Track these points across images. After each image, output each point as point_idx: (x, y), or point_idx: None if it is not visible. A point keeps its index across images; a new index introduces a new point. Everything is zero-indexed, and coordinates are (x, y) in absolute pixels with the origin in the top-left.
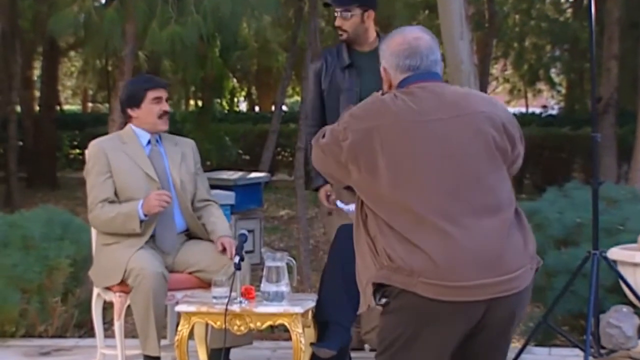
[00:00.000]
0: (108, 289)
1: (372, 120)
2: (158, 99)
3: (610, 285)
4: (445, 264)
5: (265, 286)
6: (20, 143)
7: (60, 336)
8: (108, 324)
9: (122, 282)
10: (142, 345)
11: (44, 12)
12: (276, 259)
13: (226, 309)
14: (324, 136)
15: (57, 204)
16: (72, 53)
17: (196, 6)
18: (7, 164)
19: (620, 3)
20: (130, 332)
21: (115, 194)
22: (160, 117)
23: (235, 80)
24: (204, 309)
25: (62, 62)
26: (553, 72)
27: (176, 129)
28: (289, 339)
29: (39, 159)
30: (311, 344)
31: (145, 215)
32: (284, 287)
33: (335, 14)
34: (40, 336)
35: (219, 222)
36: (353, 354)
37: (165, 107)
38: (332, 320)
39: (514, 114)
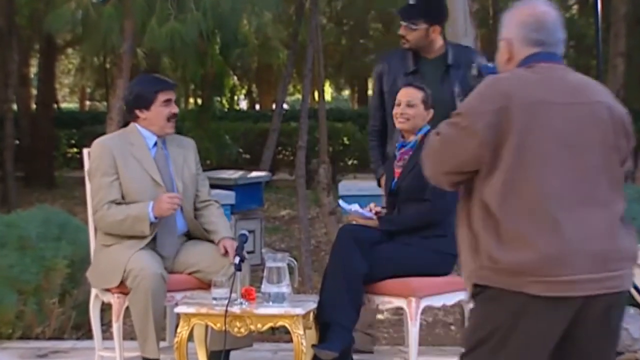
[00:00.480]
0: (107, 290)
1: (497, 102)
2: (168, 101)
3: None
4: (555, 256)
5: (266, 287)
6: (17, 142)
7: (57, 338)
8: (106, 325)
9: (121, 284)
10: (140, 347)
11: (41, 9)
12: (277, 259)
13: (226, 311)
14: (437, 133)
15: (54, 203)
16: (69, 50)
17: (196, 3)
18: (3, 162)
19: None
20: (129, 334)
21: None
22: (169, 119)
23: (235, 77)
24: (203, 310)
25: (60, 59)
26: None
27: (176, 128)
28: (290, 340)
29: (36, 157)
30: (312, 345)
31: (156, 218)
32: (285, 288)
33: (401, 29)
34: (37, 338)
35: (220, 223)
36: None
37: (175, 109)
38: (333, 322)
39: None
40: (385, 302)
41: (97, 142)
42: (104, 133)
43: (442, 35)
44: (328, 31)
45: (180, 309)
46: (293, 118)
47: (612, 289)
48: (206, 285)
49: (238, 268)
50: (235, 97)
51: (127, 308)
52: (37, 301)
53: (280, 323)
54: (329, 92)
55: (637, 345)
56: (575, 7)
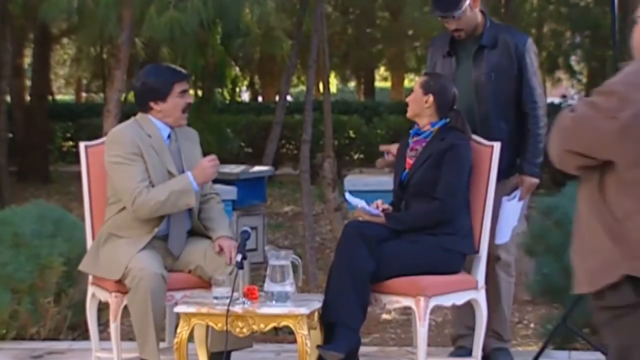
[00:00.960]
0: (104, 288)
1: None
2: (184, 92)
3: None
4: None
5: (269, 286)
6: (10, 135)
7: (52, 339)
8: (103, 325)
9: (119, 282)
10: (139, 348)
11: None
12: (280, 257)
13: (228, 310)
14: (571, 110)
15: (49, 199)
16: (65, 40)
17: None
18: None
19: None
20: (127, 335)
21: None
22: (184, 111)
23: (237, 68)
24: (204, 310)
25: (55, 49)
26: (573, 60)
27: None
28: (294, 341)
29: (30, 151)
30: (317, 346)
31: (199, 186)
32: (288, 287)
33: (445, 23)
34: (31, 339)
35: (218, 220)
36: None
37: (190, 99)
38: (339, 322)
39: None
40: (393, 302)
41: (118, 131)
42: (100, 126)
43: (482, 13)
44: (333, 20)
45: (180, 309)
46: (297, 110)
47: None
48: (207, 284)
49: (240, 266)
50: (237, 89)
51: (125, 307)
52: (31, 300)
53: (283, 323)
54: (334, 83)
55: None
56: None
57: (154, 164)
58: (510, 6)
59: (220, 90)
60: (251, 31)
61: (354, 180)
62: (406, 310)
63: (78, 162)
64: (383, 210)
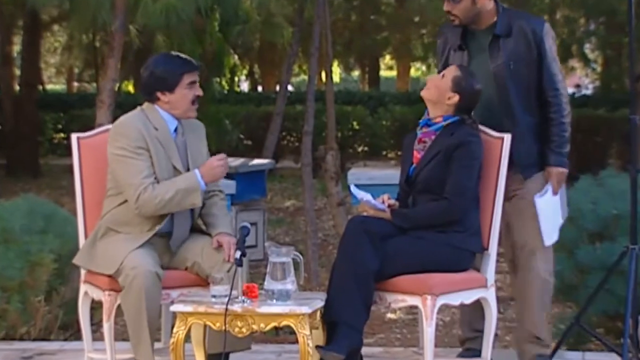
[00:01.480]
0: (97, 286)
1: None
2: (193, 84)
3: None
4: None
5: (269, 284)
6: None
7: (43, 339)
8: (96, 325)
9: (113, 279)
10: (133, 349)
11: None
12: (281, 254)
13: (226, 309)
14: None
15: (39, 193)
16: (55, 27)
17: None
18: None
19: None
20: (121, 335)
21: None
22: (192, 102)
23: (236, 57)
24: (202, 308)
25: (45, 36)
26: (587, 48)
27: None
28: (295, 342)
29: (19, 143)
30: (317, 347)
31: (206, 185)
32: (289, 285)
33: (445, 2)
34: (21, 339)
35: (220, 216)
36: None
37: (199, 91)
38: (341, 321)
39: None
40: (398, 301)
41: (125, 121)
42: (93, 117)
43: (495, 1)
44: (336, 6)
45: (176, 308)
46: (298, 101)
47: None
48: (204, 282)
49: (239, 263)
50: (236, 78)
51: (119, 306)
52: (21, 299)
53: (284, 323)
54: (337, 72)
55: None
56: None
57: (160, 159)
58: None
59: (218, 79)
60: (250, 18)
61: (358, 173)
62: (412, 310)
63: (70, 154)
64: (389, 205)
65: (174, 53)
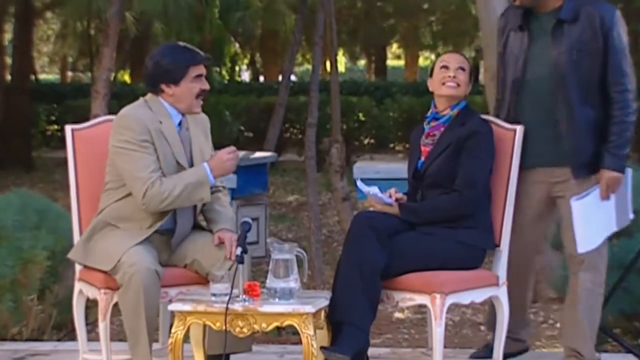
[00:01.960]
0: (92, 284)
1: None
2: (199, 77)
3: None
4: None
5: (271, 282)
6: None
7: (36, 339)
8: (91, 325)
9: (109, 277)
10: (131, 350)
11: None
12: (284, 251)
13: (227, 308)
14: None
15: (32, 187)
16: (48, 14)
17: None
18: None
19: None
20: (117, 335)
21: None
22: (198, 97)
23: (236, 45)
24: (201, 307)
25: (38, 24)
26: None
27: None
28: (299, 342)
29: (11, 136)
30: (321, 348)
31: (215, 179)
32: (292, 283)
33: None
34: (13, 339)
35: (222, 212)
36: None
37: (206, 85)
38: (347, 321)
39: None
40: (406, 299)
41: (128, 114)
42: (88, 108)
43: None
44: None
45: (175, 307)
46: (302, 91)
47: None
48: (204, 280)
49: (240, 260)
50: (237, 68)
51: (115, 305)
52: (13, 298)
53: (287, 322)
54: (342, 61)
55: None
56: None
57: (164, 154)
58: None
59: (218, 69)
60: (252, 4)
61: (363, 167)
62: (421, 309)
63: (63, 147)
64: (396, 200)
65: (181, 44)
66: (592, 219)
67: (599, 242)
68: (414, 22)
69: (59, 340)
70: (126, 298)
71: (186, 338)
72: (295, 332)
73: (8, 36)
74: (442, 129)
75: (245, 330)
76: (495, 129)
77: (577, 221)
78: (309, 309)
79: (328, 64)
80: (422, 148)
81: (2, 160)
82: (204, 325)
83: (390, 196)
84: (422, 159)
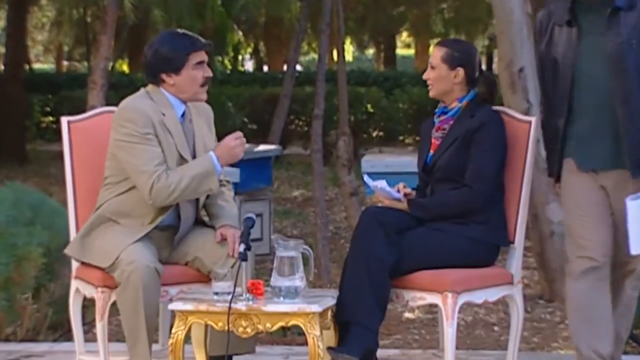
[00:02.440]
0: (89, 282)
1: None
2: (201, 64)
3: None
4: None
5: (276, 280)
6: None
7: (31, 340)
8: (88, 325)
9: (107, 275)
10: (129, 351)
11: None
12: (289, 248)
13: (229, 308)
14: None
15: (26, 181)
16: (43, 0)
17: None
18: None
19: None
20: (115, 335)
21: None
22: (202, 84)
23: (240, 33)
24: (203, 307)
25: (32, 11)
26: None
27: None
28: (304, 343)
29: (4, 127)
30: (328, 348)
31: (222, 167)
32: (298, 281)
33: None
34: (7, 340)
35: (226, 207)
36: None
37: (208, 72)
38: (355, 321)
39: None
40: (417, 298)
41: (130, 106)
42: (84, 99)
43: None
44: None
45: (175, 306)
46: (307, 82)
47: None
48: (206, 278)
49: (243, 258)
50: (240, 57)
51: (113, 304)
52: (7, 297)
53: (292, 322)
54: (350, 50)
55: None
56: None
57: (168, 147)
58: None
59: (220, 58)
60: None
61: (372, 160)
62: (431, 308)
63: (59, 139)
64: (405, 194)
65: (180, 31)
66: None
67: None
68: (425, 9)
69: (54, 340)
70: (125, 297)
71: (187, 339)
72: (301, 333)
73: (1, 24)
74: (452, 122)
75: (248, 330)
76: (508, 121)
77: (632, 221)
78: (315, 308)
79: (335, 53)
80: (433, 141)
81: None
82: (206, 326)
83: (398, 191)
84: (432, 152)
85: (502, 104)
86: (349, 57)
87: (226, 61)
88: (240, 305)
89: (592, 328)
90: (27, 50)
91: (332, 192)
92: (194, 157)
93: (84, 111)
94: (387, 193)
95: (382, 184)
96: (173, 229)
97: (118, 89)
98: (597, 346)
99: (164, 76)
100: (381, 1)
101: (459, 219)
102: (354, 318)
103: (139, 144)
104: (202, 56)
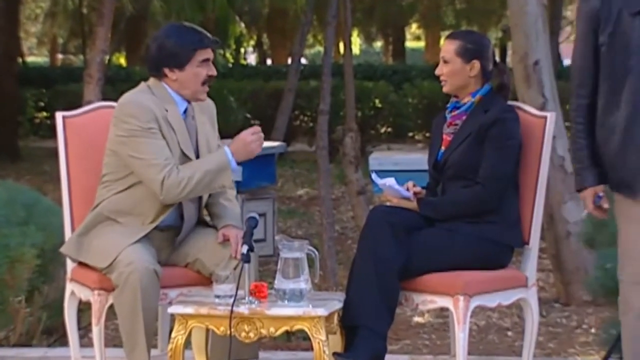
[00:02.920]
0: (85, 285)
1: None
2: (206, 61)
3: None
4: None
5: (280, 283)
6: None
7: (24, 345)
8: (84, 329)
9: (103, 277)
10: (127, 356)
11: None
12: (294, 249)
13: (231, 311)
14: None
15: (19, 179)
16: None
17: None
18: None
19: None
20: (112, 340)
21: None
22: (204, 83)
23: (242, 25)
24: (204, 310)
25: (25, 2)
26: None
27: None
28: (310, 348)
29: None
30: (334, 354)
31: (238, 164)
32: (303, 283)
33: None
34: None
35: (228, 207)
36: None
37: (213, 71)
38: (362, 325)
39: None
40: (427, 302)
41: (133, 100)
42: (80, 93)
43: None
44: None
45: (175, 309)
46: (313, 75)
47: None
48: (207, 281)
49: (246, 259)
50: (242, 50)
51: (111, 308)
52: None
53: (297, 327)
54: (357, 43)
55: None
56: None
57: (171, 144)
58: None
59: (222, 51)
60: None
61: (380, 158)
62: (442, 312)
63: (53, 136)
64: (415, 193)
65: (188, 25)
66: None
67: None
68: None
69: (49, 346)
70: (122, 300)
71: (187, 344)
72: (306, 338)
73: None
74: (464, 117)
75: (251, 335)
76: (523, 116)
77: None
78: (321, 312)
79: (341, 45)
80: (444, 137)
81: None
82: (207, 330)
83: (407, 190)
84: (443, 148)
85: (516, 99)
86: (356, 49)
87: (228, 54)
88: (243, 309)
89: None
90: (20, 43)
91: (338, 191)
92: (197, 154)
93: (79, 106)
94: (396, 191)
95: (390, 182)
96: (174, 229)
97: (115, 83)
98: None
99: (166, 70)
100: None
101: (471, 218)
102: (361, 322)
103: (145, 138)
104: (208, 54)
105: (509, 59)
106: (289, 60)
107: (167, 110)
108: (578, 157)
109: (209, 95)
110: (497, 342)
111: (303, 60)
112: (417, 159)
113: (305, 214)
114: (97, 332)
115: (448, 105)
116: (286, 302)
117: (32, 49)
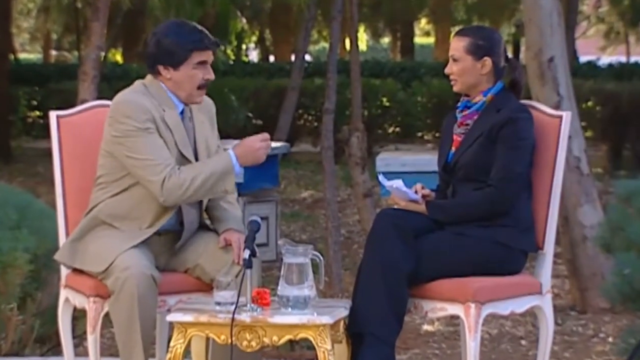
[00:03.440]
0: (80, 292)
1: None
2: (203, 64)
3: None
4: None
5: (283, 289)
6: None
7: (16, 354)
8: (79, 338)
9: (99, 283)
10: None
11: None
12: (297, 254)
13: (233, 319)
14: None
15: (11, 181)
16: None
17: None
18: None
19: None
20: (108, 349)
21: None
22: (200, 87)
23: (243, 20)
24: (204, 318)
25: None
26: None
27: None
28: (314, 358)
29: None
30: None
31: (241, 168)
32: (307, 290)
33: None
34: None
35: (229, 210)
36: None
37: (210, 74)
38: (369, 334)
39: (610, 64)
40: (437, 309)
41: (129, 99)
42: (74, 91)
43: None
44: None
45: (173, 317)
46: (317, 73)
47: None
48: (207, 287)
49: (248, 265)
50: (244, 46)
51: (106, 316)
52: None
53: (301, 335)
54: (363, 39)
55: None
56: None
57: (169, 145)
58: None
59: (222, 47)
60: None
61: (387, 159)
62: (453, 320)
63: (47, 136)
64: (423, 196)
65: (190, 23)
66: None
67: None
68: None
69: (42, 355)
70: (118, 307)
71: (187, 353)
72: (310, 347)
73: None
74: (476, 117)
75: (253, 344)
76: (537, 116)
77: None
78: (326, 319)
79: (347, 41)
80: (455, 137)
81: None
82: (207, 339)
83: (416, 192)
84: (453, 149)
85: (529, 97)
86: (362, 46)
87: (229, 51)
88: (245, 317)
89: None
90: (11, 39)
91: (344, 193)
92: (195, 156)
93: (74, 105)
94: (404, 194)
95: (398, 184)
96: (173, 233)
97: (111, 81)
98: None
99: (160, 68)
100: None
101: (483, 222)
102: (368, 329)
103: (142, 138)
104: (207, 56)
105: (522, 56)
106: (293, 57)
107: (164, 110)
108: None
109: (208, 93)
110: (510, 351)
111: (307, 57)
112: (426, 160)
113: (309, 217)
114: (92, 340)
115: (458, 104)
116: (290, 309)
117: (24, 45)
